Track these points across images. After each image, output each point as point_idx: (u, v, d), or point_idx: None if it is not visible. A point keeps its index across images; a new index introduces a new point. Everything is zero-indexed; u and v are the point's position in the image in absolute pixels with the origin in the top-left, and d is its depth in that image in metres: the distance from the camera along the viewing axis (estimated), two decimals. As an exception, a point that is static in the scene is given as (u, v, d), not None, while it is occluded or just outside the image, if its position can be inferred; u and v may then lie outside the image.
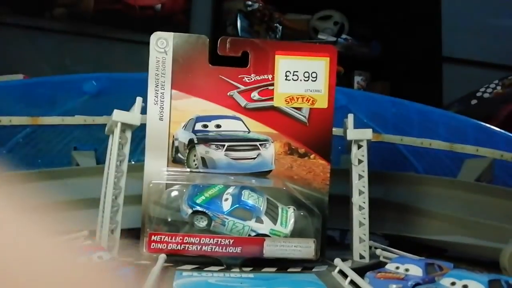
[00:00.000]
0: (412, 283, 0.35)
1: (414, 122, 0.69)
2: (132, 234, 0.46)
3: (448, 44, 1.58)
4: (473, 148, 0.63)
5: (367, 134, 0.47)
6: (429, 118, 0.69)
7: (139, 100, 0.46)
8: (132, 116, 0.45)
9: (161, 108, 0.45)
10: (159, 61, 0.45)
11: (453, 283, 0.33)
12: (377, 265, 0.44)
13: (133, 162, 0.59)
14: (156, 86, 0.45)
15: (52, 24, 1.40)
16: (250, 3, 1.65)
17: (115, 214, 0.44)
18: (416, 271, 0.37)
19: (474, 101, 1.03)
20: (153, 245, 0.40)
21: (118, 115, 0.45)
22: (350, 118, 0.48)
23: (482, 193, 0.56)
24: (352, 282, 0.35)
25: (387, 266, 0.40)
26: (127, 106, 0.46)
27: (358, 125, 0.48)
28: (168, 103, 0.45)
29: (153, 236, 0.40)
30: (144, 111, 0.46)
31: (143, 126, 0.46)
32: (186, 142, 0.46)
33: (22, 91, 0.70)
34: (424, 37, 1.61)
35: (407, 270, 0.38)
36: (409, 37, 1.65)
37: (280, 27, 1.69)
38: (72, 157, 0.65)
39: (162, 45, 0.45)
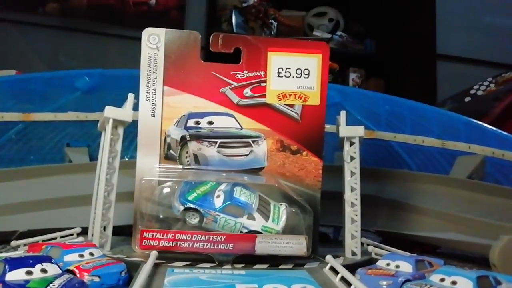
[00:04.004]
0: (402, 280, 0.36)
1: (407, 119, 0.69)
2: (125, 231, 0.46)
3: (442, 41, 1.59)
4: (465, 145, 0.64)
5: (359, 131, 0.47)
6: (422, 115, 0.70)
7: (131, 96, 0.46)
8: (124, 113, 0.45)
9: (153, 104, 0.45)
10: (151, 57, 0.45)
11: (442, 279, 0.33)
12: (369, 261, 0.44)
13: (126, 159, 0.59)
14: (148, 82, 0.45)
15: (45, 19, 1.39)
16: (245, -1, 1.64)
17: (107, 211, 0.44)
18: (406, 267, 0.38)
19: (467, 99, 1.03)
20: (145, 242, 0.40)
21: (110, 112, 0.45)
22: (343, 115, 0.48)
23: (474, 190, 0.57)
24: (343, 278, 0.36)
25: (378, 263, 0.40)
26: (120, 103, 0.46)
27: (351, 122, 0.48)
28: (160, 100, 0.45)
29: (145, 233, 0.40)
30: (136, 107, 0.45)
31: (137, 123, 0.45)
32: (179, 139, 0.45)
33: (14, 87, 0.69)
34: (418, 35, 1.62)
35: (397, 266, 0.38)
36: (404, 35, 1.65)
37: (275, 24, 1.69)
38: (65, 154, 0.65)
39: (154, 41, 0.45)
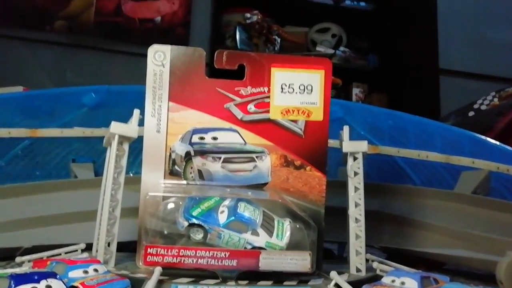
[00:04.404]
0: (407, 296, 0.35)
1: (411, 134, 0.69)
2: (129, 247, 0.46)
3: (445, 56, 1.60)
4: (469, 160, 0.64)
5: (362, 146, 0.47)
6: (425, 130, 0.70)
7: (136, 112, 0.46)
8: (130, 128, 0.45)
9: (159, 120, 0.46)
10: (156, 73, 0.46)
11: (448, 296, 0.33)
12: (374, 278, 0.44)
13: (131, 174, 0.60)
14: (153, 99, 0.46)
15: (53, 36, 1.41)
16: (248, 15, 1.67)
17: (112, 227, 0.44)
18: (411, 284, 0.37)
19: (471, 113, 1.03)
20: (149, 258, 0.40)
21: (116, 127, 0.45)
22: (346, 130, 0.48)
23: (479, 206, 0.56)
24: (347, 295, 0.35)
25: (383, 279, 0.40)
26: (126, 118, 0.47)
27: (355, 137, 0.48)
28: (165, 115, 0.46)
29: (149, 249, 0.40)
30: (141, 123, 0.46)
31: (142, 139, 0.46)
32: (183, 155, 0.46)
33: (21, 103, 0.70)
34: (421, 50, 1.63)
35: (403, 283, 0.38)
36: (406, 50, 1.66)
37: (279, 40, 1.71)
38: (71, 169, 0.65)
39: (159, 58, 0.46)
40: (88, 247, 0.48)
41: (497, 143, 0.68)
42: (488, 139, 0.69)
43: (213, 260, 0.40)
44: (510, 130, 0.88)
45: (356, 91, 1.71)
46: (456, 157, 0.64)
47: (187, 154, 0.46)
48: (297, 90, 0.47)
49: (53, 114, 0.68)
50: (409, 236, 0.57)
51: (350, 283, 0.37)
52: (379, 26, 1.76)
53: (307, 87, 0.47)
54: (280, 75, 0.47)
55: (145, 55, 0.45)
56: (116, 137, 0.45)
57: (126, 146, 0.46)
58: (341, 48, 1.75)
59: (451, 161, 0.64)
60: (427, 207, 0.59)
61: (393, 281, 0.39)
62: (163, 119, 0.46)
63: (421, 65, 1.61)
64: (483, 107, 1.01)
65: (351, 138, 0.48)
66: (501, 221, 0.54)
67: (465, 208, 0.57)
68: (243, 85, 0.47)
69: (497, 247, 0.49)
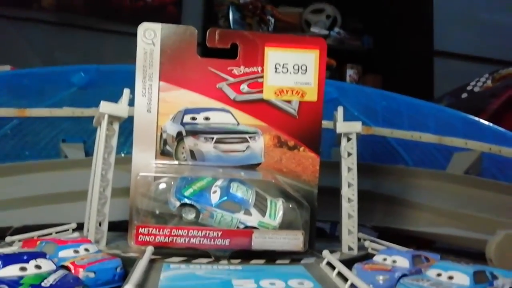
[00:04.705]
0: (398, 274, 0.36)
1: (404, 115, 0.69)
2: (121, 226, 0.46)
3: (440, 38, 1.59)
4: (462, 141, 0.64)
5: (356, 127, 0.47)
6: (419, 112, 0.70)
7: (126, 91, 0.45)
8: (119, 108, 0.45)
9: (149, 100, 0.45)
10: (146, 52, 0.45)
11: (439, 274, 0.33)
12: (365, 256, 0.44)
13: (123, 155, 0.59)
14: (144, 78, 0.45)
15: (41, 15, 1.38)
16: (242, -5, 1.63)
17: (102, 207, 0.44)
18: (403, 262, 0.38)
19: (464, 95, 1.03)
20: (140, 237, 0.40)
21: (105, 107, 0.44)
22: (340, 111, 0.48)
23: (470, 186, 0.57)
24: (339, 273, 0.36)
25: (374, 258, 0.40)
26: (116, 98, 0.46)
27: (349, 118, 0.48)
28: (156, 95, 0.45)
29: (140, 229, 0.40)
30: (132, 103, 0.45)
31: (133, 119, 0.45)
32: (175, 135, 0.45)
33: (9, 82, 0.69)
34: (416, 31, 1.61)
35: (394, 261, 0.38)
36: (401, 31, 1.65)
37: (272, 20, 1.68)
38: (61, 149, 0.64)
39: (149, 36, 0.45)
40: (80, 227, 0.47)
41: (490, 124, 0.68)
42: (481, 120, 0.69)
43: (205, 239, 0.40)
44: (503, 111, 0.88)
45: (350, 72, 1.70)
46: (449, 138, 0.65)
47: (179, 134, 0.45)
48: (291, 70, 0.46)
49: (42, 94, 0.67)
50: (401, 215, 0.57)
51: (342, 261, 0.37)
52: (373, 7, 1.73)
53: (301, 67, 0.46)
54: (274, 55, 0.46)
55: (136, 35, 0.44)
56: (106, 117, 0.44)
57: (116, 126, 0.45)
58: (336, 29, 1.73)
59: (444, 142, 0.65)
60: (419, 187, 0.59)
61: (384, 259, 0.39)
62: (154, 98, 0.45)
63: (415, 47, 1.60)
64: (477, 89, 1.01)
65: (345, 119, 0.47)
66: (492, 201, 0.55)
67: (456, 188, 0.57)
68: (236, 65, 0.46)
69: (487, 226, 0.50)
